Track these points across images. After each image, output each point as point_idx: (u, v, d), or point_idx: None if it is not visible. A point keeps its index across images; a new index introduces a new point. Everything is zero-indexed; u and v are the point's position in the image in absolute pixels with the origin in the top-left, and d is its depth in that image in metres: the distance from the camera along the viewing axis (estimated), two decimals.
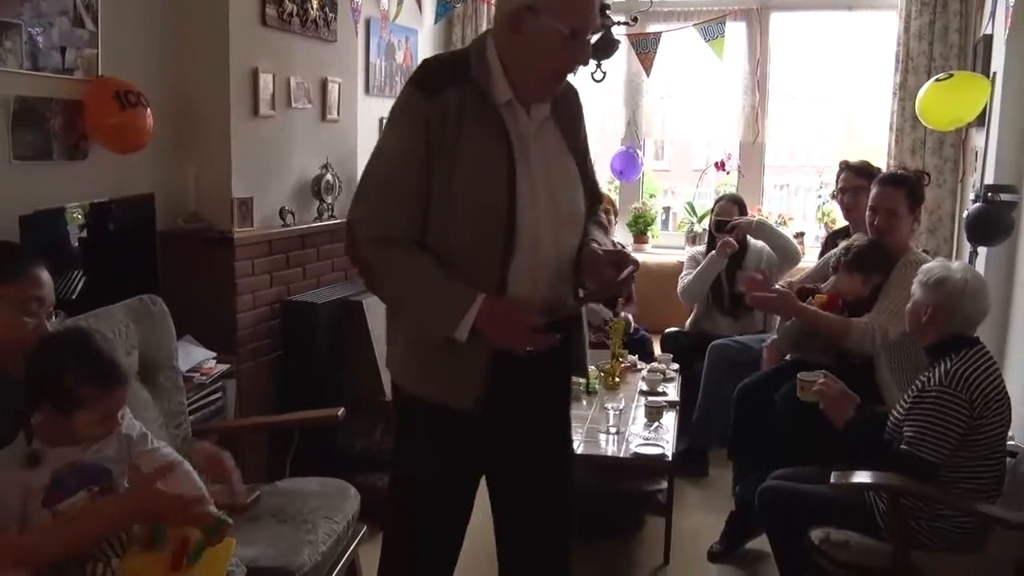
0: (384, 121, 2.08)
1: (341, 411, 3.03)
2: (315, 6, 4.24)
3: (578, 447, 3.43)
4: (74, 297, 3.15)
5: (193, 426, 2.99)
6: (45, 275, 1.89)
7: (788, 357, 3.75)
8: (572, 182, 2.10)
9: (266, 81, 3.96)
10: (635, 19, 4.51)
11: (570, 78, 2.06)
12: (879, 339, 3.23)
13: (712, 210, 5.01)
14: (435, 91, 1.92)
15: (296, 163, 4.23)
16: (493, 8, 5.93)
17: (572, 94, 2.18)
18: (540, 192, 1.99)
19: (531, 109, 2.02)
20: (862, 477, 2.55)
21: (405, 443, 2.21)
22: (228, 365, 3.65)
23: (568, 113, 2.14)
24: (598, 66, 4.16)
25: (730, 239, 4.61)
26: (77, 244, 3.24)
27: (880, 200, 3.41)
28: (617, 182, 6.33)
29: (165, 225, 3.73)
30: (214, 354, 3.63)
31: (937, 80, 4.16)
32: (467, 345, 1.93)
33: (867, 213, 3.49)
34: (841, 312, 3.37)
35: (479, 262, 1.95)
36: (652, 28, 5.72)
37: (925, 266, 2.76)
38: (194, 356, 3.52)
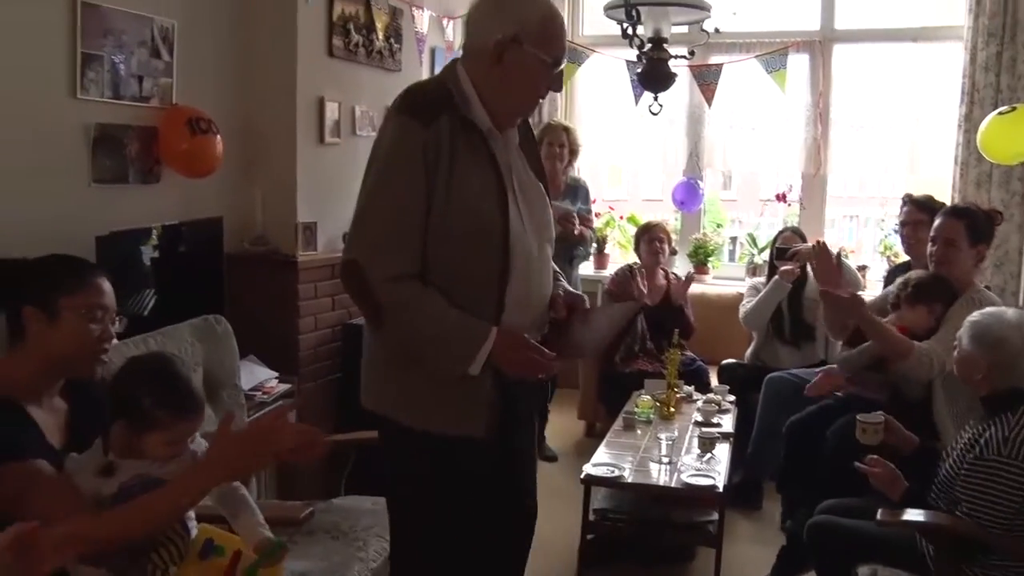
0: (377, 149, 2.07)
1: None
2: (380, 37, 4.37)
3: (629, 476, 3.46)
4: (145, 315, 3.28)
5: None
6: (107, 284, 1.97)
7: (840, 393, 3.72)
8: (546, 204, 2.21)
9: (331, 109, 4.10)
10: (692, 52, 4.53)
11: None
12: (936, 368, 3.19)
13: (774, 241, 5.00)
14: (429, 120, 1.94)
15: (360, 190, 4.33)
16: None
17: (526, 123, 2.26)
18: (525, 215, 2.08)
19: (505, 137, 2.11)
20: (911, 515, 2.51)
21: (409, 478, 2.17)
22: (289, 385, 3.76)
23: (528, 140, 2.24)
24: (655, 99, 4.20)
25: (790, 267, 4.60)
26: (149, 264, 3.38)
27: (939, 230, 3.39)
28: (679, 212, 6.33)
29: (232, 248, 3.87)
30: (276, 374, 3.74)
31: (999, 113, 4.11)
32: (480, 377, 2.01)
33: (928, 244, 3.47)
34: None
35: (478, 286, 2.01)
36: (714, 60, 5.74)
37: (977, 318, 2.66)
38: (256, 375, 3.63)
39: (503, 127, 2.09)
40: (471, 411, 2.05)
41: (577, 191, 4.85)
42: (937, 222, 3.42)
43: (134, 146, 3.40)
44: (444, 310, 1.96)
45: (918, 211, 3.94)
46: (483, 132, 2.04)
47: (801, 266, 4.64)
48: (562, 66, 2.08)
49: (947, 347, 3.20)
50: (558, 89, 2.13)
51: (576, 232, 4.70)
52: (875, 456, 2.73)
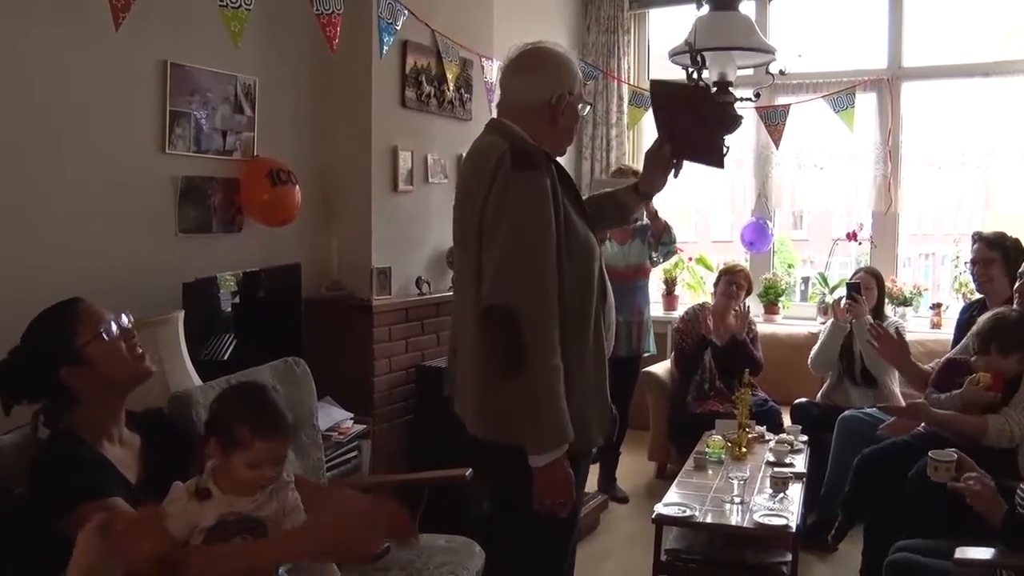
0: (505, 202, 2.15)
1: (468, 472, 3.14)
2: (451, 87, 4.50)
3: (701, 516, 3.45)
4: (226, 358, 3.41)
5: (330, 482, 3.17)
6: (89, 303, 2.07)
7: (921, 428, 3.66)
8: None
9: (405, 158, 4.23)
10: (758, 95, 4.56)
11: None
12: (1018, 436, 3.13)
13: (850, 279, 4.98)
14: (546, 168, 2.17)
15: (432, 235, 4.46)
16: (621, 84, 6.11)
17: None
18: None
19: None
20: (988, 555, 2.47)
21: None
22: (364, 426, 3.84)
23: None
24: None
25: (844, 309, 4.60)
26: (230, 309, 3.51)
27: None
28: (748, 253, 6.32)
29: (309, 292, 3.99)
30: (351, 415, 3.83)
31: None
32: (603, 391, 2.29)
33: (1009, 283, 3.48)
34: (1003, 389, 3.28)
35: (584, 306, 2.21)
36: (781, 100, 5.76)
37: None
38: (333, 416, 3.73)
39: None
40: (601, 425, 2.29)
41: (645, 229, 4.90)
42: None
43: (218, 197, 3.57)
44: (562, 395, 2.09)
45: (988, 248, 3.90)
46: (564, 170, 2.29)
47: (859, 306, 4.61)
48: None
49: None
50: None
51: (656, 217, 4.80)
52: (974, 474, 2.67)
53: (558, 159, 2.33)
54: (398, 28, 4.01)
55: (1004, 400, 3.26)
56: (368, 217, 4.09)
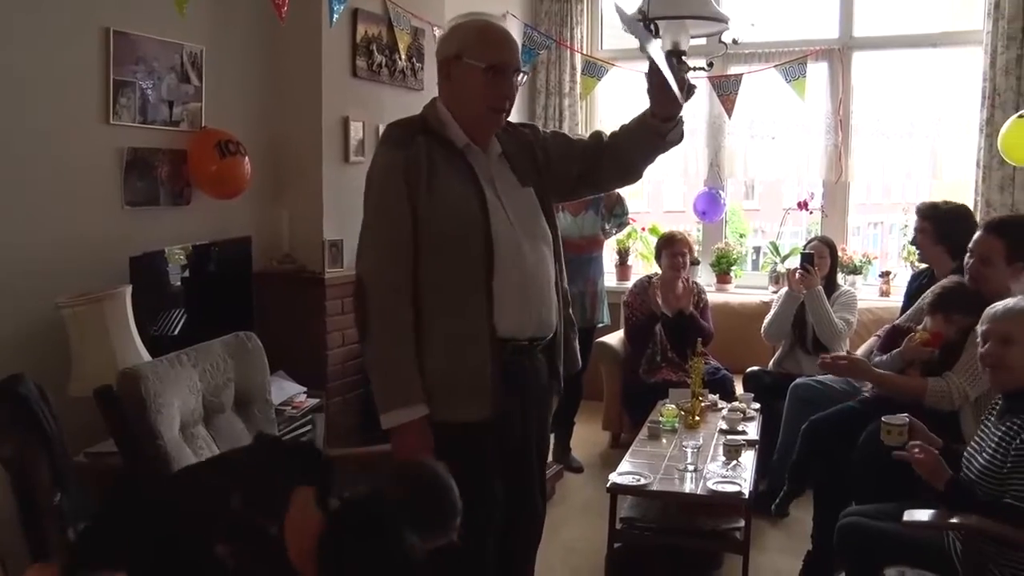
0: (367, 179, 2.31)
1: None
2: (403, 57, 4.44)
3: (655, 484, 3.48)
4: (176, 333, 3.36)
5: None
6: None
7: (867, 393, 3.73)
8: (535, 208, 2.38)
9: (356, 129, 4.18)
10: (711, 64, 4.56)
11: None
12: (958, 401, 3.21)
13: (803, 248, 5.03)
14: (406, 145, 2.21)
15: None
16: (574, 53, 6.09)
17: (517, 131, 2.45)
18: (512, 216, 2.27)
19: (486, 149, 2.32)
20: (936, 517, 2.52)
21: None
22: (318, 399, 3.82)
23: (517, 149, 2.40)
24: None
25: (798, 280, 4.66)
26: (179, 283, 3.46)
27: (976, 245, 3.35)
28: (701, 223, 6.36)
29: (260, 266, 3.95)
30: (305, 389, 3.81)
31: (1020, 116, 4.12)
32: (478, 364, 2.21)
33: (966, 256, 3.44)
34: (939, 347, 3.36)
35: (466, 282, 2.21)
36: (733, 70, 5.77)
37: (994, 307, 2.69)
38: (286, 390, 3.70)
39: (479, 140, 2.31)
40: (477, 400, 2.22)
41: (598, 201, 4.89)
42: (976, 236, 3.38)
43: (165, 169, 3.49)
44: (406, 357, 2.16)
45: (921, 219, 3.96)
46: (459, 147, 2.27)
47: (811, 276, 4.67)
48: (518, 72, 2.30)
49: (970, 372, 3.20)
50: (511, 96, 2.29)
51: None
52: (917, 443, 2.72)
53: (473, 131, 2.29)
54: None
55: (947, 366, 3.34)
56: (319, 189, 4.04)
